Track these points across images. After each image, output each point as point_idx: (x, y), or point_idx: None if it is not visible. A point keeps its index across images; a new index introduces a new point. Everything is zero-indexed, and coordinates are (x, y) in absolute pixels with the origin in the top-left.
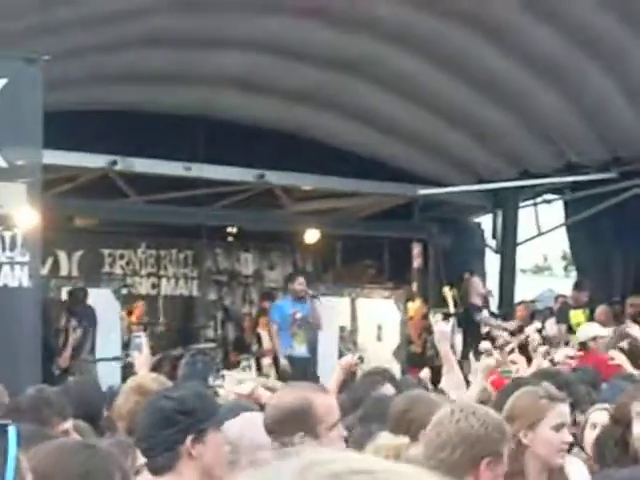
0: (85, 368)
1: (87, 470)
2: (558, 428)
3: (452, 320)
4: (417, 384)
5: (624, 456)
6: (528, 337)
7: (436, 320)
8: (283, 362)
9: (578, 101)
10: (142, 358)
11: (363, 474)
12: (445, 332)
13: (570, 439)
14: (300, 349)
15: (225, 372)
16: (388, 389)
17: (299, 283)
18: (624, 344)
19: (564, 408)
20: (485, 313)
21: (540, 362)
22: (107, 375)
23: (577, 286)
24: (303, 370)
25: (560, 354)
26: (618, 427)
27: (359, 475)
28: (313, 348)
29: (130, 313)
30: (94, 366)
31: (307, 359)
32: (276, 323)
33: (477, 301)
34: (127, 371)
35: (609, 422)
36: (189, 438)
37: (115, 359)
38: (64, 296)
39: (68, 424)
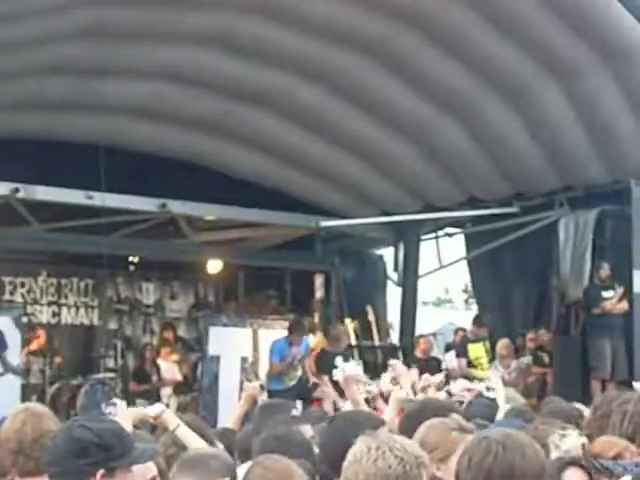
0: None
1: None
2: None
3: (355, 361)
4: (321, 417)
5: None
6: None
7: (341, 365)
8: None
9: (481, 136)
10: None
11: None
12: (352, 376)
13: None
14: (289, 384)
15: (117, 400)
16: (307, 430)
17: (302, 332)
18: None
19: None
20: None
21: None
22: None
23: (476, 320)
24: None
25: (457, 386)
26: None
27: None
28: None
29: (30, 341)
30: None
31: (286, 390)
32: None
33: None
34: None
35: None
36: (99, 473)
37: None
38: None
39: None
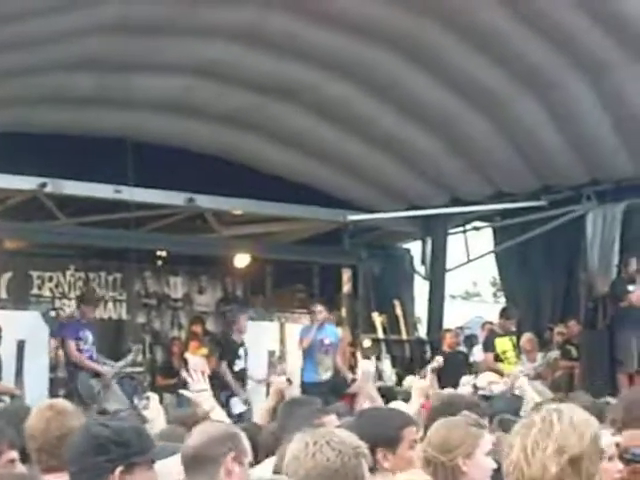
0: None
1: None
2: (488, 454)
3: (373, 361)
4: (345, 412)
5: None
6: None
7: (360, 361)
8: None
9: (508, 130)
10: None
11: None
12: (369, 373)
13: (495, 465)
14: (324, 375)
15: (150, 394)
16: (333, 420)
17: (319, 311)
18: None
19: (488, 435)
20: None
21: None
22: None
23: (503, 313)
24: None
25: (483, 379)
26: None
27: None
28: (336, 373)
29: None
30: (23, 390)
31: (321, 383)
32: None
33: None
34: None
35: None
36: (118, 469)
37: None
38: None
39: (15, 453)
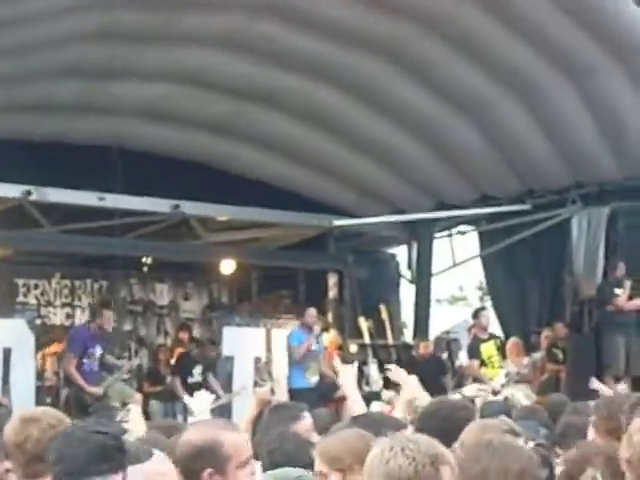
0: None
1: None
2: None
3: (356, 363)
4: (331, 419)
5: None
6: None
7: (339, 362)
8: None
9: (493, 134)
10: None
11: None
12: (349, 374)
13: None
14: (311, 380)
15: (131, 405)
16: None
17: (309, 315)
18: None
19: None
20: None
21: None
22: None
23: (475, 314)
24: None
25: (470, 389)
26: None
27: None
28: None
29: (49, 344)
30: (9, 398)
31: (310, 389)
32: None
33: None
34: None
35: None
36: (120, 474)
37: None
38: None
39: (9, 463)
